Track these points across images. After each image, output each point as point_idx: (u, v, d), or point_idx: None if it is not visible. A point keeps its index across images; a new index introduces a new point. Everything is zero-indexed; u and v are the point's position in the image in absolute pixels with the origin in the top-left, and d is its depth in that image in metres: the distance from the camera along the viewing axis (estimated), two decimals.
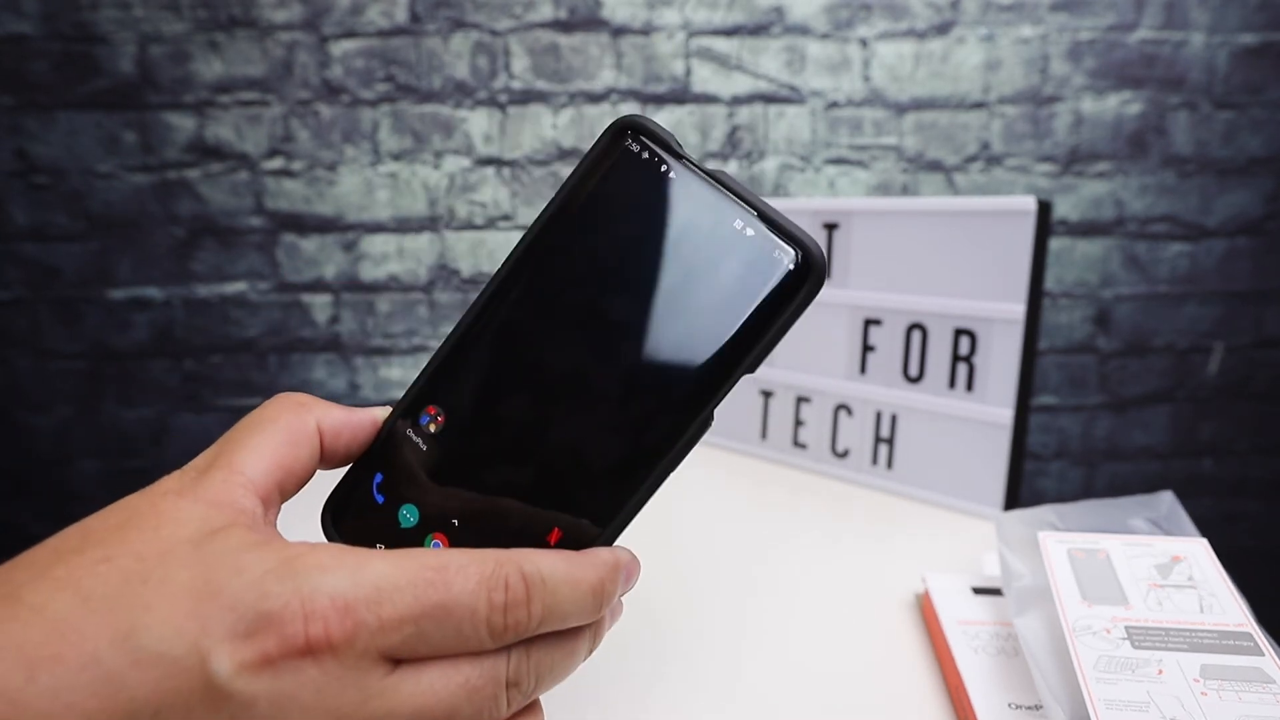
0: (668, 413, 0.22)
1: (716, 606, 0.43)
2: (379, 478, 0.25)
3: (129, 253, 0.98)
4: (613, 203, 0.24)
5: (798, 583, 0.46)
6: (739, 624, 0.41)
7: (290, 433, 0.23)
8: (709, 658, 0.38)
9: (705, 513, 0.56)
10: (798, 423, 0.66)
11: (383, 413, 0.25)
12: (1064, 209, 1.01)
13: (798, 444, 0.66)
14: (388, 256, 1.02)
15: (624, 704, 0.34)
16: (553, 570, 0.21)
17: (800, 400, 0.66)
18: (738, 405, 0.73)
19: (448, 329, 1.01)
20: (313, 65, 0.96)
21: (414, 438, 0.24)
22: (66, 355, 0.99)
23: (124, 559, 0.18)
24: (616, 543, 0.23)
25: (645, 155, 0.23)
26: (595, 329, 0.23)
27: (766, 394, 0.69)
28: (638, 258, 0.23)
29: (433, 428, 0.24)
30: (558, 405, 0.23)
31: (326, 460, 0.25)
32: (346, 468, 0.25)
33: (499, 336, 0.24)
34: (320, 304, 1.01)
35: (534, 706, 0.23)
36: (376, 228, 1.00)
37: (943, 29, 0.97)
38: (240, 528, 0.20)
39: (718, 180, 0.23)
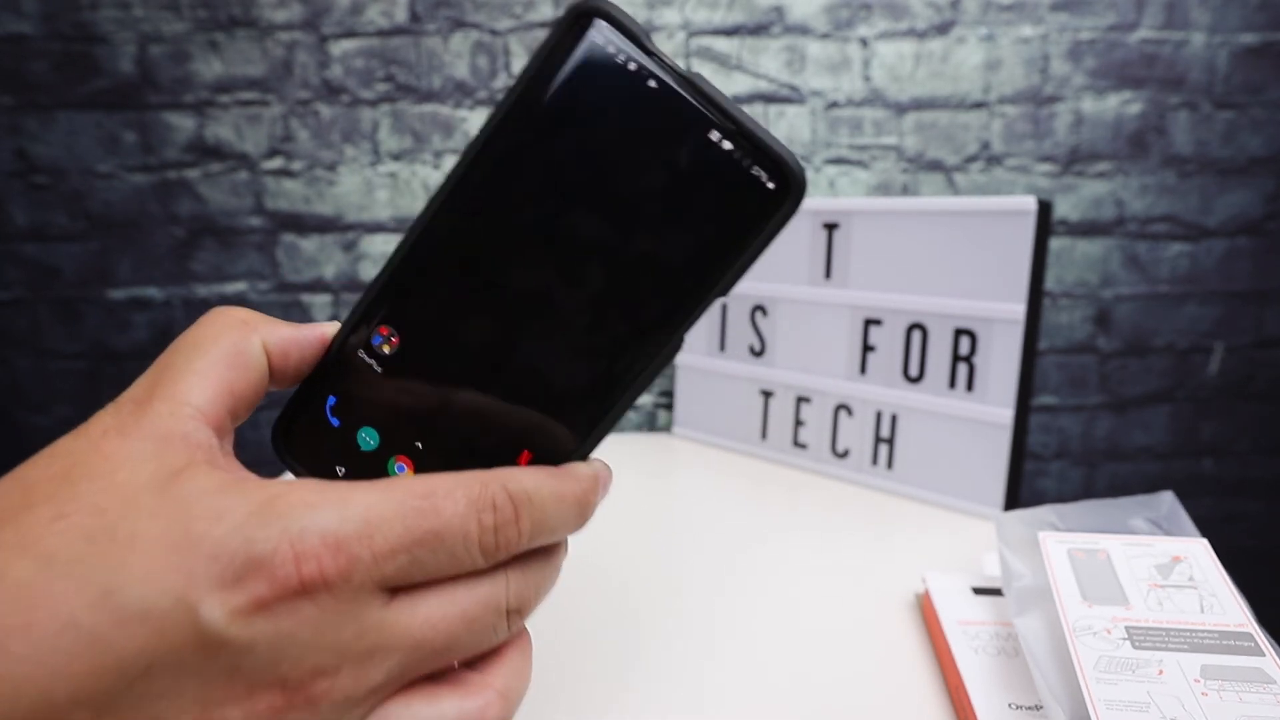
0: (638, 335, 0.21)
1: (716, 606, 0.43)
2: (332, 400, 0.24)
3: (129, 253, 0.98)
4: (575, 103, 0.21)
5: (798, 583, 0.46)
6: (739, 624, 0.41)
7: (235, 354, 0.22)
8: (709, 657, 0.38)
9: (705, 512, 0.56)
10: (798, 423, 0.66)
11: (331, 328, 0.24)
12: (1064, 209, 1.01)
13: (798, 444, 0.66)
14: (388, 256, 1.02)
15: (623, 703, 0.34)
16: (537, 487, 0.21)
17: (800, 400, 0.66)
18: (738, 405, 0.73)
19: None
20: (312, 65, 0.96)
21: (366, 359, 0.23)
22: (66, 355, 0.99)
23: (80, 514, 0.17)
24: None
25: (610, 49, 0.21)
26: (561, 246, 0.22)
27: (766, 394, 0.69)
28: (604, 167, 0.21)
29: (386, 349, 0.23)
30: (521, 325, 0.22)
31: (277, 381, 0.23)
32: (295, 387, 0.24)
33: (454, 251, 0.23)
34: (320, 304, 1.01)
35: (522, 632, 0.23)
36: (376, 228, 1.00)
37: (943, 29, 0.96)
38: (202, 465, 0.19)
39: (693, 85, 0.21)
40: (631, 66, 0.21)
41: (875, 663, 0.38)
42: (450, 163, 1.01)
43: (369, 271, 1.02)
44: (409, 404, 0.23)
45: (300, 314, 1.00)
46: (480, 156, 0.22)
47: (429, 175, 1.01)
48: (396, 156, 0.99)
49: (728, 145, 0.21)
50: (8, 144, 0.94)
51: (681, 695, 0.35)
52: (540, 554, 0.22)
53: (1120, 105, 0.99)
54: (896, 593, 0.44)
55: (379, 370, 0.23)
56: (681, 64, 0.22)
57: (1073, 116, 0.99)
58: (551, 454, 0.22)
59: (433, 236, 0.23)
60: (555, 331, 0.22)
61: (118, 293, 0.99)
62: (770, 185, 0.21)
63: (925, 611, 0.41)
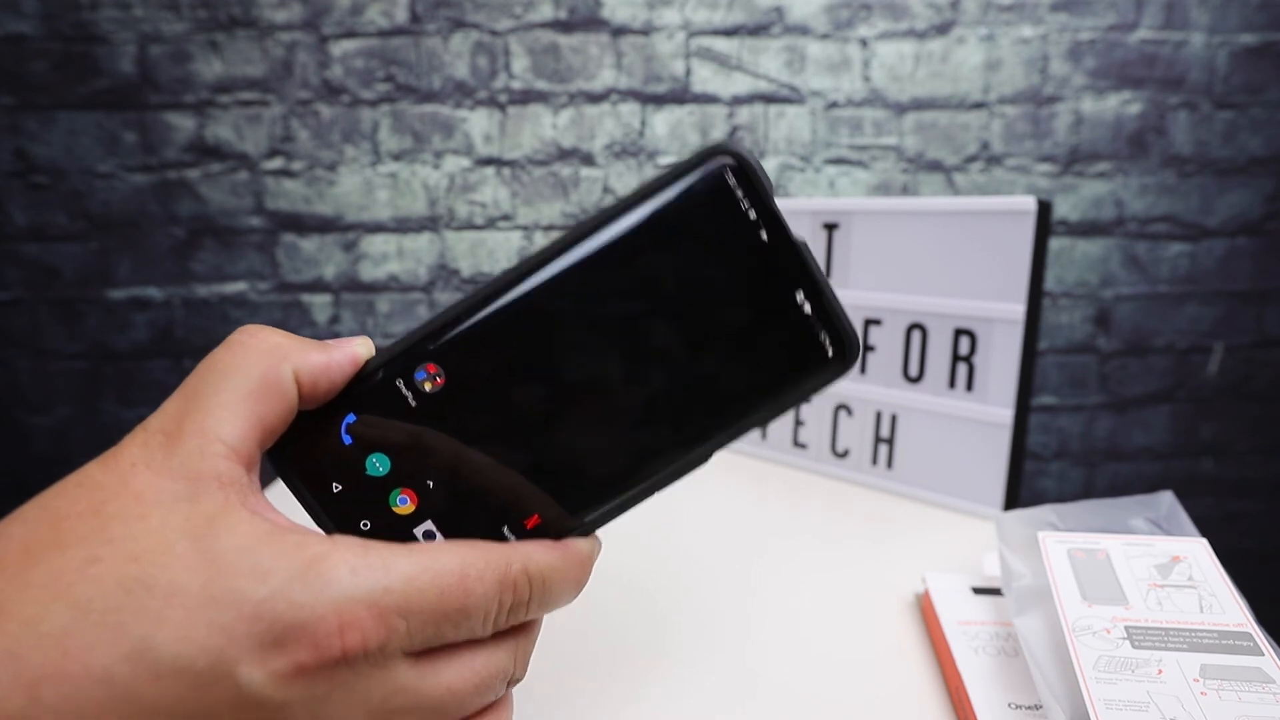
0: (675, 443, 0.23)
1: (716, 606, 0.43)
2: (351, 418, 0.24)
3: (129, 253, 0.98)
4: (685, 228, 0.23)
5: (797, 583, 0.46)
6: (739, 624, 0.41)
7: (265, 384, 0.21)
8: (708, 658, 0.38)
9: (705, 512, 0.56)
10: (797, 423, 0.66)
11: (363, 348, 0.24)
12: (1064, 209, 1.01)
13: (797, 444, 0.66)
14: (387, 256, 1.02)
15: (623, 703, 0.34)
16: (550, 568, 0.22)
17: None
18: None
19: None
20: (313, 65, 0.96)
21: (403, 390, 0.24)
22: (66, 355, 0.99)
23: (114, 560, 0.17)
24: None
25: (739, 193, 0.23)
26: (629, 346, 0.23)
27: None
28: (694, 288, 0.23)
29: (428, 386, 0.24)
30: (569, 406, 0.23)
31: (304, 406, 0.23)
32: None
33: (526, 320, 0.24)
34: (320, 304, 1.01)
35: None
36: (376, 228, 1.00)
37: (943, 29, 0.96)
38: (238, 511, 0.19)
39: (798, 249, 0.23)
40: (751, 215, 0.23)
41: (875, 662, 0.38)
42: (451, 163, 1.02)
43: (369, 271, 1.02)
44: (434, 445, 0.23)
45: (300, 313, 1.00)
46: (583, 241, 0.24)
47: (429, 175, 1.01)
48: (396, 156, 0.99)
49: (808, 309, 0.23)
50: (8, 144, 0.94)
51: (680, 694, 0.35)
52: (533, 622, 0.23)
53: (1120, 105, 0.99)
54: (896, 593, 0.44)
55: (413, 405, 0.23)
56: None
57: (1072, 117, 0.99)
58: (558, 524, 0.23)
59: (511, 299, 0.24)
60: (601, 421, 0.23)
61: (117, 293, 0.99)
62: (830, 353, 0.23)
63: (925, 611, 0.41)
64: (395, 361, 0.24)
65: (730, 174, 0.23)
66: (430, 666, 0.20)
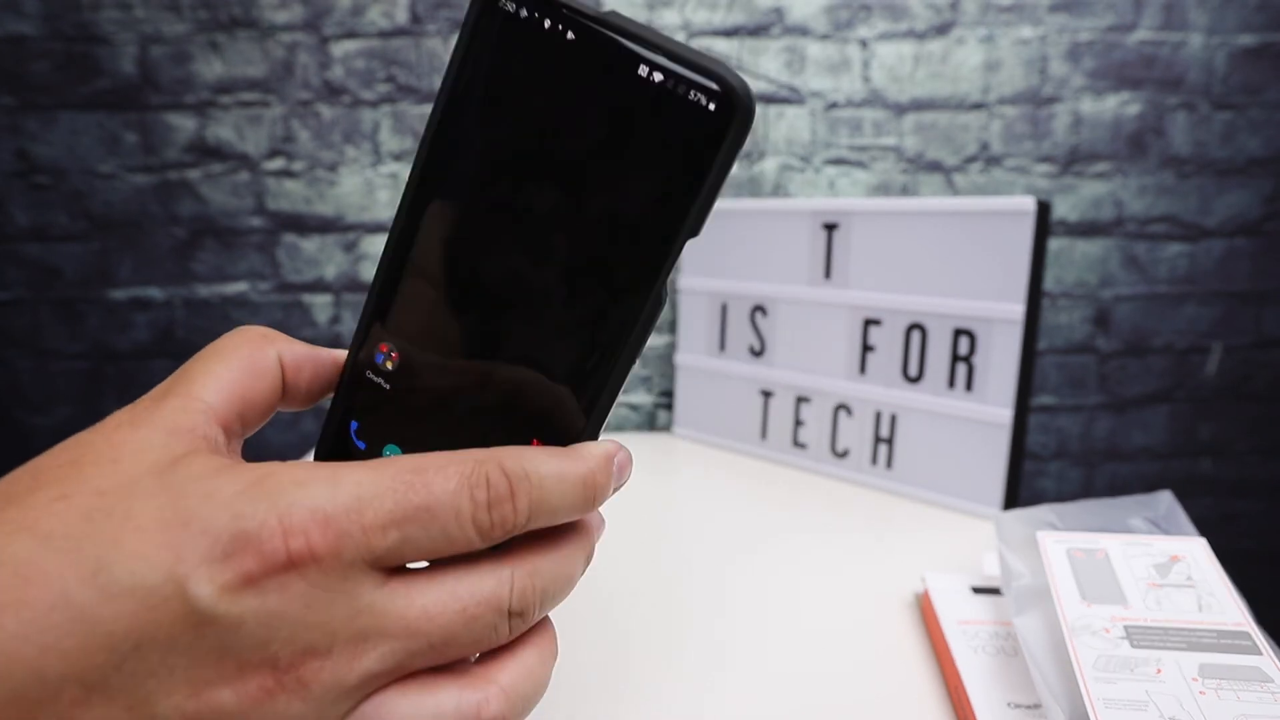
0: (616, 297, 0.21)
1: (716, 606, 0.43)
2: (354, 425, 0.24)
3: (130, 253, 0.98)
4: (503, 81, 0.21)
5: (798, 582, 0.46)
6: (738, 624, 0.41)
7: (251, 363, 0.23)
8: (708, 657, 0.38)
9: (705, 512, 0.56)
10: (797, 423, 0.66)
11: (344, 354, 0.25)
12: (1063, 209, 1.01)
13: (798, 444, 0.66)
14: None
15: (623, 702, 0.35)
16: (536, 464, 0.20)
17: (800, 400, 0.66)
18: (738, 405, 0.73)
19: None
20: (313, 66, 0.96)
21: (375, 379, 0.24)
22: (67, 355, 0.99)
23: (82, 495, 0.18)
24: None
25: (524, 14, 0.21)
26: (522, 226, 0.21)
27: (766, 394, 0.69)
28: (547, 136, 0.21)
29: (389, 365, 0.23)
30: (503, 314, 0.22)
31: (289, 396, 0.24)
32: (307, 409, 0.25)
33: (426, 255, 0.23)
34: (321, 304, 1.01)
35: (544, 626, 0.22)
36: (377, 228, 1.01)
37: (942, 30, 0.97)
38: (203, 453, 0.19)
39: (609, 25, 0.20)
40: (546, 24, 0.20)
41: (875, 662, 0.38)
42: None
43: (369, 272, 1.02)
44: (419, 416, 0.23)
45: (301, 314, 1.00)
46: (430, 156, 0.22)
47: None
48: (397, 157, 0.99)
49: (658, 77, 0.19)
50: (9, 144, 0.94)
51: (681, 694, 0.35)
52: (551, 555, 0.21)
53: (1119, 106, 0.99)
54: (896, 592, 0.44)
55: (387, 388, 0.23)
56: (593, 9, 0.21)
57: (1071, 117, 0.99)
58: (561, 437, 0.22)
59: (403, 246, 0.23)
60: (536, 313, 0.22)
61: (119, 293, 0.99)
62: (711, 107, 0.19)
63: (925, 611, 0.41)
64: (358, 357, 0.24)
65: (507, 2, 0.21)
66: (402, 587, 0.19)
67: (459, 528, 0.19)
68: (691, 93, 0.19)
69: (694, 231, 0.20)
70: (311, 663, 0.18)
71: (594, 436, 0.22)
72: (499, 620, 0.20)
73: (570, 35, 0.20)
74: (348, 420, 0.24)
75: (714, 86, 0.19)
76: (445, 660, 0.20)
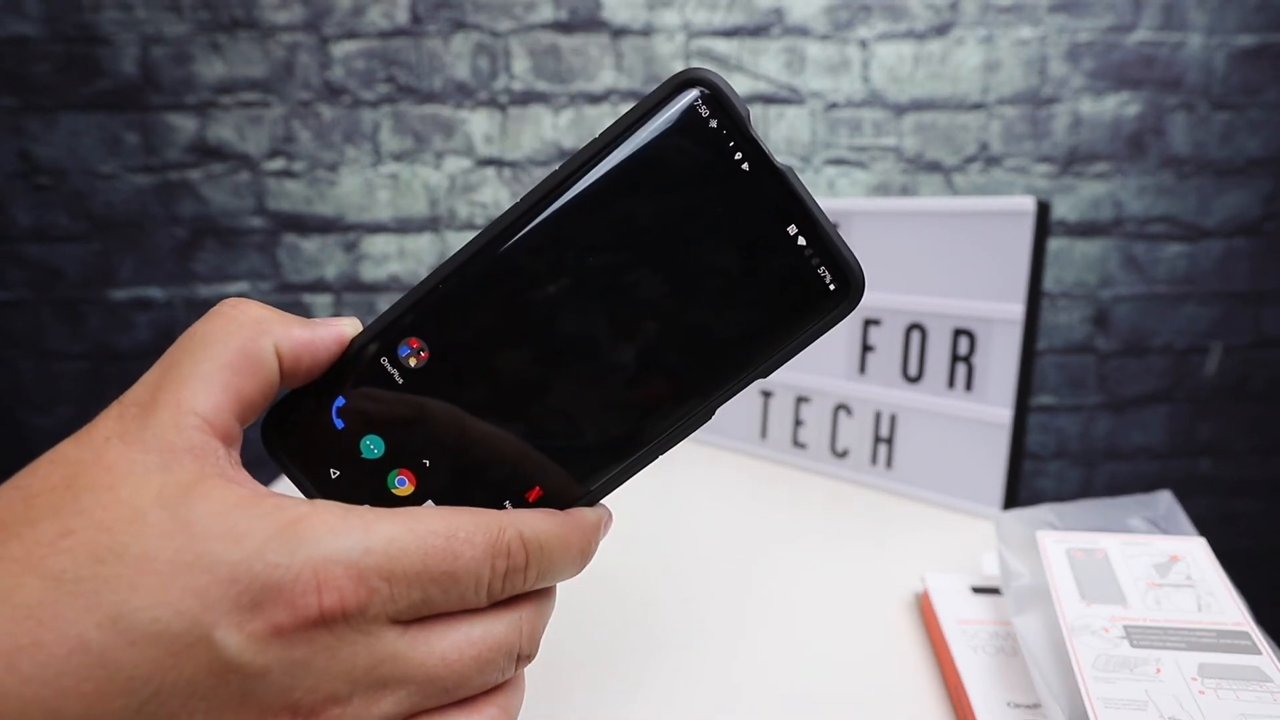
0: (674, 399, 0.22)
1: (716, 606, 0.43)
2: (340, 401, 0.23)
3: (131, 253, 0.98)
4: (662, 167, 0.22)
5: (797, 582, 0.46)
6: (738, 623, 0.41)
7: (243, 356, 0.20)
8: (708, 657, 0.38)
9: (705, 512, 0.56)
10: (797, 422, 0.66)
11: (351, 327, 0.23)
12: (1062, 209, 1.01)
13: (797, 444, 0.66)
14: (389, 257, 1.02)
15: (623, 702, 0.35)
16: (548, 535, 0.21)
17: (800, 400, 0.67)
18: (738, 405, 0.73)
19: None
20: (314, 66, 0.96)
21: (388, 368, 0.23)
22: (69, 356, 0.99)
23: (87, 530, 0.17)
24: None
25: (713, 124, 0.21)
26: (616, 298, 0.22)
27: (766, 394, 0.69)
28: (679, 232, 0.21)
29: (413, 361, 0.22)
30: (560, 368, 0.22)
31: (287, 384, 0.23)
32: None
33: (507, 281, 0.22)
34: (321, 304, 1.01)
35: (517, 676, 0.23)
36: (377, 228, 1.01)
37: (942, 30, 0.97)
38: (213, 479, 0.18)
39: (784, 177, 0.21)
40: (730, 145, 0.21)
41: (874, 662, 0.38)
42: (452, 164, 1.02)
43: (370, 271, 1.02)
44: (426, 421, 0.22)
45: (301, 314, 1.00)
46: (555, 193, 0.22)
47: (430, 176, 1.01)
48: (397, 157, 0.99)
49: (802, 241, 0.21)
50: (10, 145, 0.95)
51: (679, 693, 0.35)
52: (550, 597, 0.22)
53: (1118, 106, 0.99)
54: (896, 592, 0.45)
55: (400, 382, 0.23)
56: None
57: (1071, 117, 0.99)
58: (561, 495, 0.22)
59: (487, 260, 0.22)
60: (594, 381, 0.22)
61: (120, 293, 0.99)
62: (832, 286, 0.21)
63: (924, 611, 0.41)
64: (378, 339, 0.23)
65: (703, 104, 0.21)
66: (421, 635, 0.19)
67: (475, 593, 0.20)
68: (823, 267, 0.21)
69: (765, 374, 0.22)
70: (332, 709, 0.18)
71: (591, 503, 0.23)
72: (507, 663, 0.21)
73: (745, 166, 0.21)
74: (334, 394, 0.23)
75: (843, 273, 0.21)
76: (455, 699, 0.21)
